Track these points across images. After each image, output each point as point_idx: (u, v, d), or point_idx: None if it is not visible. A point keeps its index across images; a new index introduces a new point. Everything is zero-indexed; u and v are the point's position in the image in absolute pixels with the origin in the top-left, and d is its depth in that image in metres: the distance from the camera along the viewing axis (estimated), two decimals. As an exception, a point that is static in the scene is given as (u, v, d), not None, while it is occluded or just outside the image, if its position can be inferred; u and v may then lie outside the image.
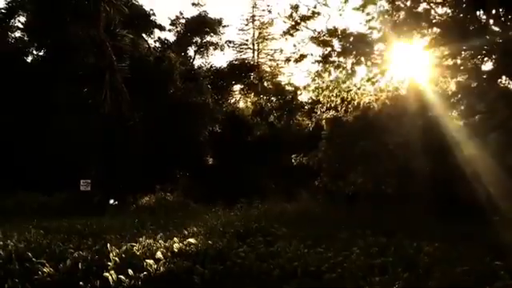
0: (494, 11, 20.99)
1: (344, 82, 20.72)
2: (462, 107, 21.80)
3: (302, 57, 22.82)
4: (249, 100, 46.32)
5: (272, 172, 35.90)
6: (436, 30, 20.92)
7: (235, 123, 38.90)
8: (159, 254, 8.63)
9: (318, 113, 21.42)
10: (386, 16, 21.47)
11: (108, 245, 9.29)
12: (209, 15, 46.00)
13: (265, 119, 43.33)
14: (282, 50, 54.23)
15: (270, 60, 54.30)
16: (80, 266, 8.28)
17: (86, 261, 8.55)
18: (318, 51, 22.10)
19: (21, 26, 37.29)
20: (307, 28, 22.81)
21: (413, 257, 8.76)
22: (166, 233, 11.73)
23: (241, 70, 46.28)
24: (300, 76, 74.78)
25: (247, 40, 56.16)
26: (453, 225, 14.29)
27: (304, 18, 22.66)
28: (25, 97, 32.22)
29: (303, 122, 42.52)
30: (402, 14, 21.22)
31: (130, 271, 7.80)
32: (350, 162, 21.09)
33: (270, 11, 55.15)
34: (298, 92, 46.23)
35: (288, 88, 48.33)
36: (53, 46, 27.59)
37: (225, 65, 46.87)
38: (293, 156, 22.21)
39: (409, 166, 21.34)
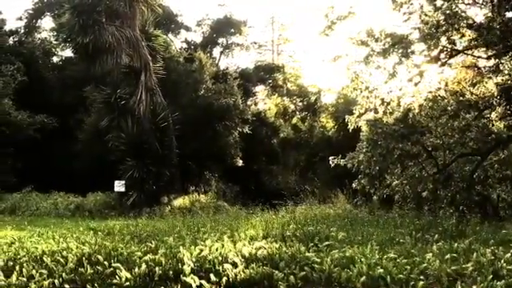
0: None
1: (385, 83, 20.53)
2: (501, 109, 21.57)
3: (338, 57, 22.66)
4: (272, 101, 46.16)
5: (301, 174, 35.72)
6: (474, 31, 20.69)
7: (261, 125, 38.76)
8: (235, 259, 8.39)
9: (357, 114, 21.08)
10: (424, 16, 21.25)
11: (181, 248, 9.06)
12: (234, 16, 45.98)
13: (288, 121, 43.27)
14: (305, 52, 54.24)
15: (294, 61, 54.16)
16: (157, 271, 8.04)
17: (161, 265, 8.33)
18: (353, 52, 21.97)
19: (47, 27, 37.64)
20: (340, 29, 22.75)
21: (493, 263, 8.45)
22: (221, 235, 11.47)
23: (266, 71, 46.21)
24: (323, 78, 75.05)
25: (266, 42, 56.05)
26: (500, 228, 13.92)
27: (340, 18, 22.50)
28: (57, 97, 32.37)
29: (327, 123, 42.43)
30: (440, 14, 20.98)
31: (212, 276, 7.57)
32: (389, 164, 20.88)
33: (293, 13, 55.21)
34: (322, 93, 46.24)
35: (311, 90, 48.15)
36: (86, 46, 27.41)
37: (250, 66, 46.91)
38: (331, 158, 21.91)
39: (446, 168, 21.13)
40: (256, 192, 29.67)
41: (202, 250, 9.03)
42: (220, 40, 46.68)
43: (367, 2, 23.63)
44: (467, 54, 21.23)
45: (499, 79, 21.11)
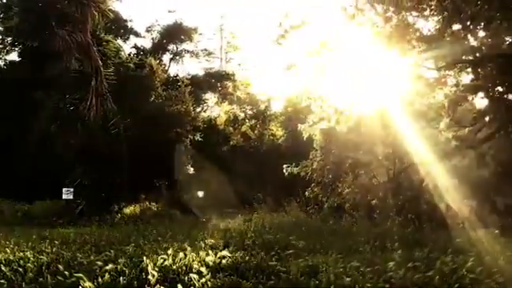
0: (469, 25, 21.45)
1: (340, 92, 20.76)
2: (448, 120, 22.06)
3: (291, 66, 22.80)
4: (222, 109, 46.00)
5: (251, 182, 35.65)
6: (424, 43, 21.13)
7: (212, 132, 38.59)
8: (201, 268, 8.26)
9: (311, 122, 21.22)
10: (376, 27, 21.62)
11: (144, 258, 8.86)
12: (184, 23, 45.69)
13: (238, 129, 43.23)
14: (255, 60, 54.41)
15: (243, 70, 54.05)
16: (121, 281, 7.82)
17: (124, 275, 8.12)
18: (308, 61, 22.15)
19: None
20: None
21: (455, 272, 8.57)
22: (181, 245, 11.30)
23: (216, 79, 46.07)
24: (273, 86, 75.77)
25: (214, 49, 55.69)
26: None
27: (294, 27, 22.64)
28: (2, 102, 31.43)
29: (277, 131, 42.60)
30: (392, 25, 21.38)
31: (180, 286, 7.41)
32: (341, 173, 21.09)
33: (243, 20, 55.43)
34: (272, 102, 46.42)
35: (261, 98, 48.25)
36: (34, 50, 26.74)
37: (200, 73, 46.71)
38: (284, 166, 21.99)
39: (396, 177, 21.48)
40: (208, 200, 29.49)
41: (164, 260, 8.85)
42: (170, 46, 46.39)
43: (322, 12, 23.78)
44: (420, 65, 21.63)
45: (447, 90, 21.65)
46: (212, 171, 35.78)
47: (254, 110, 46.46)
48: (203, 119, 40.52)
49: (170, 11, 50.54)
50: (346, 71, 21.26)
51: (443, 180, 22.14)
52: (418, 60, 21.15)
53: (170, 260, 8.82)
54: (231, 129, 43.29)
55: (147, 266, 8.34)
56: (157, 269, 8.40)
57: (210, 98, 47.34)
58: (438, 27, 21.03)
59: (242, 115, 46.42)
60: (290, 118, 41.10)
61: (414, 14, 21.46)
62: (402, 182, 21.58)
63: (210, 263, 8.83)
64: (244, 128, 44.44)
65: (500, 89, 22.82)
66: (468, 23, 21.01)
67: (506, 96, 23.13)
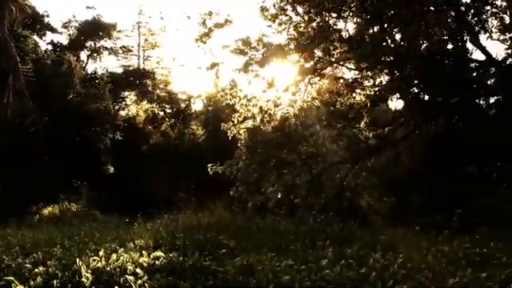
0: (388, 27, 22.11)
1: (264, 92, 20.84)
2: (368, 118, 22.61)
3: (215, 65, 22.71)
4: (141, 107, 45.18)
5: (172, 181, 35.27)
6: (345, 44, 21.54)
7: (132, 131, 37.90)
8: (137, 270, 8.06)
9: (236, 121, 21.18)
10: (299, 28, 21.86)
11: (78, 260, 8.55)
12: (103, 19, 44.67)
13: (158, 127, 42.72)
14: (174, 58, 53.91)
15: (163, 68, 53.36)
16: (54, 284, 7.52)
17: (57, 277, 7.83)
18: (231, 60, 22.14)
19: None
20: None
21: (386, 268, 8.77)
22: (110, 246, 11.02)
23: (135, 77, 45.31)
24: (194, 85, 75.24)
25: (132, 46, 54.73)
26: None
27: (218, 26, 22.57)
28: None
29: (197, 130, 42.38)
30: (314, 25, 21.69)
31: (117, 288, 7.21)
32: (266, 172, 21.19)
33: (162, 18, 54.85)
34: (192, 100, 46.14)
35: (181, 96, 47.85)
36: None
37: (119, 70, 45.83)
38: (209, 165, 21.81)
39: (319, 176, 21.81)
40: (128, 200, 28.90)
41: (97, 262, 8.59)
42: (88, 43, 45.34)
43: (246, 11, 23.91)
44: (341, 66, 22.03)
45: (368, 91, 22.17)
46: (133, 170, 35.16)
47: (174, 109, 46.03)
48: (123, 118, 39.76)
49: (88, 7, 49.17)
50: (268, 70, 21.40)
51: (364, 178, 22.73)
52: (341, 60, 21.55)
53: (103, 262, 8.57)
54: (151, 128, 42.72)
55: (80, 268, 8.07)
56: (90, 271, 8.15)
57: (130, 96, 46.50)
58: (358, 29, 21.46)
59: (162, 114, 45.88)
60: (211, 116, 40.98)
61: (334, 15, 21.82)
62: (324, 180, 21.90)
63: (145, 264, 8.65)
64: (164, 127, 43.95)
65: (416, 89, 23.64)
66: (386, 25, 21.65)
67: (421, 97, 23.99)
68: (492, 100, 24.44)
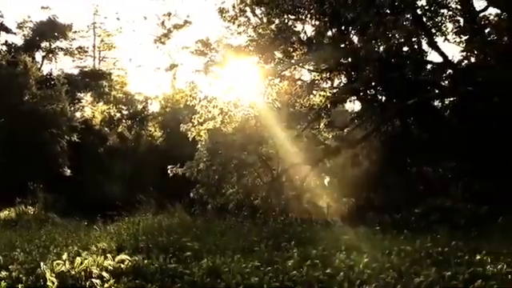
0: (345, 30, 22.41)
1: (225, 93, 20.80)
2: (328, 120, 22.80)
3: (173, 66, 22.60)
4: (97, 109, 44.52)
5: (129, 183, 34.86)
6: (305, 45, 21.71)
7: (89, 133, 37.34)
8: (103, 273, 7.93)
9: (196, 123, 21.07)
10: (258, 29, 21.92)
11: (42, 264, 8.38)
12: (58, 19, 43.88)
13: (114, 129, 42.22)
14: (131, 59, 53.40)
15: (119, 69, 52.67)
16: (19, 288, 7.37)
17: (21, 282, 7.66)
18: (191, 61, 22.07)
19: None
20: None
21: (353, 268, 8.85)
22: (72, 249, 10.82)
23: (91, 78, 44.62)
24: (151, 86, 74.54)
25: (87, 47, 53.80)
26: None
27: (177, 27, 22.48)
28: None
29: (155, 132, 42.06)
30: (274, 27, 21.77)
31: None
32: (227, 174, 21.15)
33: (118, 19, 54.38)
34: (149, 102, 45.80)
35: (138, 98, 47.39)
36: None
37: (75, 71, 45.10)
38: (169, 167, 21.66)
39: (279, 177, 21.89)
40: (86, 203, 28.46)
41: (61, 265, 8.43)
42: (43, 44, 44.50)
43: (205, 13, 23.87)
44: (301, 67, 22.16)
45: (328, 92, 22.39)
46: (90, 173, 34.69)
47: (131, 110, 45.61)
48: (79, 119, 39.16)
49: (43, 7, 48.18)
50: (229, 72, 21.40)
51: (323, 179, 22.90)
52: (300, 62, 21.69)
53: (67, 265, 8.41)
54: (107, 129, 42.21)
55: (44, 272, 7.91)
56: (54, 275, 8.00)
57: (86, 97, 45.79)
58: (317, 31, 21.63)
59: (119, 115, 45.36)
60: (169, 118, 40.72)
61: (292, 17, 21.94)
62: (284, 181, 21.99)
63: (110, 267, 8.52)
64: (120, 128, 43.51)
65: (373, 91, 23.98)
66: (344, 28, 21.91)
67: (378, 98, 24.36)
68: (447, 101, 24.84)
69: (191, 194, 21.19)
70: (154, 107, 47.34)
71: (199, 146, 21.35)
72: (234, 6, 22.26)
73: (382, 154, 26.28)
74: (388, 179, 26.10)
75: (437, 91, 22.78)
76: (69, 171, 33.70)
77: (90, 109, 43.99)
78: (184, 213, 19.90)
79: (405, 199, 22.99)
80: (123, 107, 45.90)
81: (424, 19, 19.94)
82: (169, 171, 21.73)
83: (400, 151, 25.17)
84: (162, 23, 21.98)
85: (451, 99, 23.90)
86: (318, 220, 19.88)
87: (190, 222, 17.08)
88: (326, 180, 23.11)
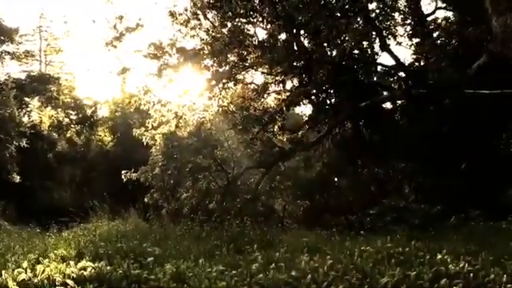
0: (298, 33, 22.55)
1: (180, 97, 20.62)
2: (282, 123, 22.86)
3: (125, 70, 22.31)
4: (45, 114, 43.44)
5: (78, 189, 34.26)
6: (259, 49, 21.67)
7: (37, 138, 36.49)
8: (67, 280, 7.71)
9: (150, 127, 20.81)
10: (211, 33, 21.79)
11: (3, 272, 8.08)
12: (4, 23, 42.64)
13: (63, 134, 41.40)
14: (79, 64, 52.29)
15: (67, 73, 51.45)
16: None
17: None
18: (144, 65, 21.81)
19: None
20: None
21: (317, 270, 8.85)
22: (29, 256, 10.47)
23: (39, 82, 43.53)
24: (101, 90, 73.11)
25: (33, 51, 52.28)
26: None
27: (129, 30, 22.15)
28: None
29: (105, 137, 41.48)
30: (227, 31, 21.70)
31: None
32: (182, 178, 21.01)
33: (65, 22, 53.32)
34: (99, 106, 45.11)
35: (87, 102, 46.55)
36: None
37: (22, 76, 43.90)
38: (123, 172, 21.34)
39: (234, 180, 21.85)
40: (37, 210, 27.78)
41: (22, 274, 8.16)
42: (-11, 48, 43.23)
43: (157, 16, 23.58)
44: (255, 70, 22.14)
45: (282, 95, 22.46)
46: (39, 179, 33.93)
47: (80, 115, 44.80)
48: (26, 125, 38.18)
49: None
50: (182, 75, 21.24)
51: (278, 182, 22.96)
52: (254, 65, 21.67)
53: (29, 273, 8.15)
54: (55, 135, 41.30)
55: (6, 281, 7.64)
56: (15, 283, 7.75)
57: (33, 102, 44.61)
58: (270, 34, 21.63)
59: (67, 120, 44.42)
60: (119, 122, 40.19)
61: (244, 20, 21.91)
62: (239, 185, 21.98)
63: (73, 275, 8.28)
64: (69, 134, 42.66)
65: (325, 94, 24.21)
66: (297, 31, 22.02)
67: (331, 101, 24.59)
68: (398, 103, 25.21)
69: (145, 199, 20.91)
70: (103, 112, 46.67)
71: (153, 150, 21.12)
72: (186, 10, 22.07)
73: (334, 156, 26.57)
74: (340, 181, 26.44)
75: (388, 94, 23.09)
76: (18, 177, 32.83)
77: (37, 114, 42.88)
78: (138, 218, 19.66)
79: (358, 200, 23.35)
80: (72, 112, 45.02)
81: (376, 22, 20.18)
82: (122, 176, 21.38)
83: (351, 153, 25.49)
84: (114, 26, 21.48)
85: (402, 101, 24.32)
86: (274, 223, 19.97)
87: (145, 228, 16.87)
88: (280, 183, 23.13)
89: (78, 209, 25.63)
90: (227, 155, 21.62)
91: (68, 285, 7.59)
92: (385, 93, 23.78)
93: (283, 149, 22.28)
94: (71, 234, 16.06)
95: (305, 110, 27.16)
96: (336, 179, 26.17)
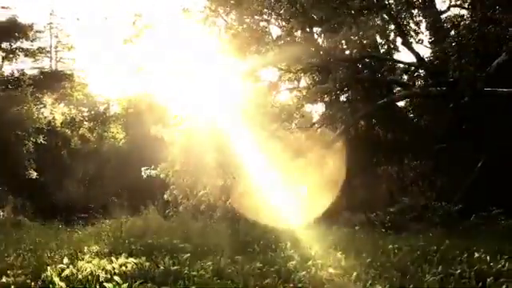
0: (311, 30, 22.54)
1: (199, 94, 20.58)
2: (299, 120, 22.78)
3: (141, 68, 22.33)
4: (59, 110, 43.37)
5: (90, 186, 34.33)
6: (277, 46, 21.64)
7: (52, 135, 36.56)
8: (116, 277, 7.69)
9: (170, 124, 20.80)
10: (231, 31, 21.78)
11: (49, 268, 8.12)
12: (19, 19, 42.58)
13: (76, 131, 41.46)
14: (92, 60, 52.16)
15: (80, 70, 51.28)
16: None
17: (29, 287, 7.41)
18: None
19: None
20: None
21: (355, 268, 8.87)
22: (65, 252, 10.52)
23: (53, 79, 43.49)
24: (113, 87, 73.25)
25: (44, 48, 52.14)
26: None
27: (147, 27, 22.16)
28: None
29: (118, 134, 41.50)
30: (247, 28, 21.68)
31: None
32: (201, 175, 20.91)
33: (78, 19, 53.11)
34: (111, 103, 45.11)
35: (100, 99, 46.54)
36: None
37: (36, 72, 43.79)
38: (143, 168, 21.33)
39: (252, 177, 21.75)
40: (52, 205, 27.87)
41: (63, 270, 8.19)
42: (4, 44, 43.09)
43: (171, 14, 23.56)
44: (274, 67, 22.10)
45: (303, 92, 22.43)
46: (54, 175, 34.02)
47: (93, 112, 44.83)
48: (41, 121, 38.20)
49: (3, 7, 46.60)
50: (202, 72, 21.19)
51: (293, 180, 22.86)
52: (274, 62, 21.63)
53: (72, 269, 8.17)
54: (68, 131, 41.31)
55: (51, 276, 7.65)
56: (58, 278, 7.77)
57: (48, 98, 44.54)
58: (287, 31, 21.60)
59: (80, 117, 44.43)
60: (132, 119, 40.15)
61: (257, 17, 21.90)
62: (256, 182, 21.88)
63: (116, 271, 8.30)
64: (82, 130, 42.67)
65: (344, 92, 24.17)
66: (314, 28, 21.98)
67: (349, 99, 24.56)
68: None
69: (165, 196, 20.87)
70: (116, 108, 46.55)
71: (172, 147, 21.02)
72: (205, 7, 22.09)
73: (348, 154, 26.50)
74: (354, 179, 26.36)
75: (406, 91, 23.02)
76: (35, 173, 32.86)
77: (50, 110, 42.79)
78: (157, 215, 19.68)
79: (376, 198, 23.29)
80: (84, 109, 45.06)
81: (398, 19, 20.15)
82: (142, 173, 21.37)
83: (367, 151, 25.44)
84: (134, 23, 21.47)
85: (418, 99, 24.27)
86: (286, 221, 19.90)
87: (168, 224, 16.86)
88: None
89: (95, 205, 25.81)
90: (245, 153, 21.52)
91: (115, 281, 7.56)
92: (401, 90, 23.71)
93: (301, 146, 22.17)
94: (96, 229, 16.11)
95: (316, 107, 26.86)
96: (349, 177, 26.08)
